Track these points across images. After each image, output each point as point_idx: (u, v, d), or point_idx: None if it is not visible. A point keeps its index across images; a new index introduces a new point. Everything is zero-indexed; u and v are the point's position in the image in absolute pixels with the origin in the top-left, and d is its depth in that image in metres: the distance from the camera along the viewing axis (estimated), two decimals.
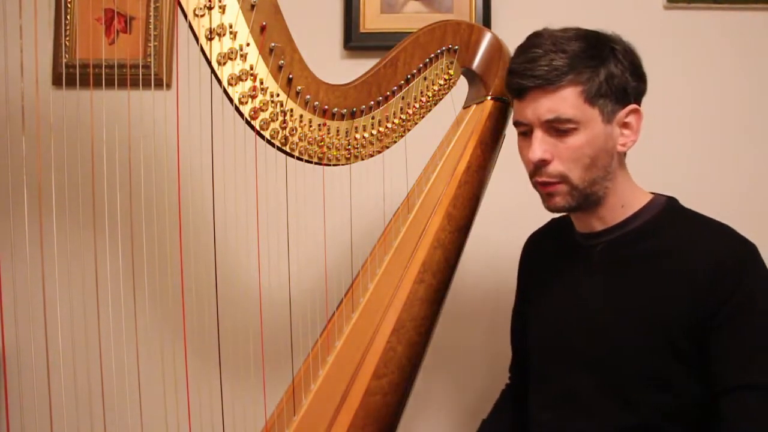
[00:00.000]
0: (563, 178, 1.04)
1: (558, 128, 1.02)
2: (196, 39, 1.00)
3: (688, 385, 1.00)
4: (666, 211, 1.08)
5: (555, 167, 1.03)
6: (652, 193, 1.11)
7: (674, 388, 1.01)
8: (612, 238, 1.09)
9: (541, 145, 1.03)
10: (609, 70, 1.02)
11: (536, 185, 1.08)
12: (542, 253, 1.25)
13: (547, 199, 1.07)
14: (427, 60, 1.20)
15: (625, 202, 1.08)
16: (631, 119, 1.05)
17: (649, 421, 1.01)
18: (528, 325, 1.22)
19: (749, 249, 1.02)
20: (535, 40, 1.05)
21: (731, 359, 0.97)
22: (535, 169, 1.05)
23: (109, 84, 1.43)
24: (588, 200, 1.06)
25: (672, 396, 1.01)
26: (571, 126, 1.01)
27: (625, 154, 1.08)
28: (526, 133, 1.07)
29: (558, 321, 1.14)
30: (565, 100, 1.01)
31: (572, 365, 1.09)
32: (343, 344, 1.13)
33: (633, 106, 1.05)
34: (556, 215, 1.19)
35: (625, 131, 1.05)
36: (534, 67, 1.01)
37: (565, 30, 1.05)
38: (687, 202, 1.12)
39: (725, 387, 0.97)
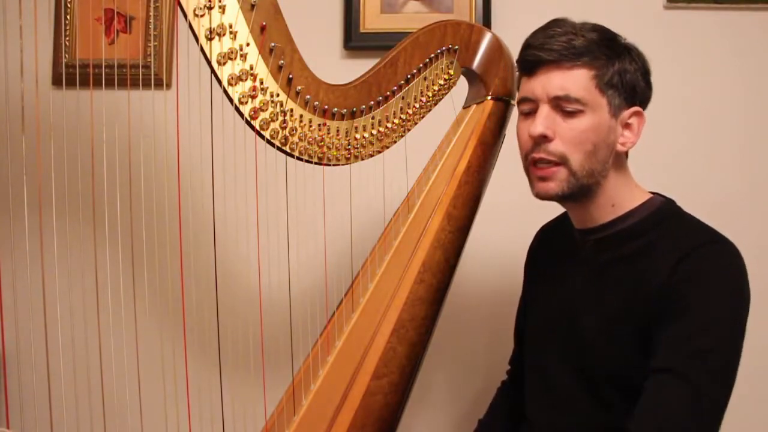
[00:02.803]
0: (563, 160, 1.02)
1: (565, 108, 1.02)
2: (196, 39, 1.00)
3: None
4: (657, 213, 1.07)
5: (556, 146, 1.02)
6: (654, 193, 1.11)
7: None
8: (600, 237, 1.09)
9: (544, 121, 1.02)
10: (623, 64, 1.03)
11: (530, 166, 1.06)
12: (547, 246, 1.26)
13: (538, 182, 1.05)
14: (427, 60, 1.20)
15: (617, 202, 1.07)
16: (633, 121, 1.06)
17: (624, 419, 1.01)
18: (527, 316, 1.23)
19: (721, 247, 1.01)
20: (556, 22, 1.06)
21: (661, 345, 0.96)
22: (534, 146, 1.04)
23: (109, 84, 1.42)
24: (581, 191, 1.04)
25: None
26: (579, 107, 1.01)
27: (626, 154, 1.08)
28: (529, 111, 1.06)
29: (546, 314, 1.15)
30: (576, 81, 1.01)
31: (555, 359, 1.10)
32: (343, 344, 1.13)
33: (637, 108, 1.06)
34: (554, 215, 1.19)
35: (626, 132, 1.05)
36: (552, 42, 1.02)
37: (584, 22, 1.06)
38: (684, 202, 1.11)
39: (650, 369, 0.97)
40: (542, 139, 1.02)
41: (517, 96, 1.10)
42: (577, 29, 1.03)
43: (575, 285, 1.10)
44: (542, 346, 1.15)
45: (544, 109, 1.03)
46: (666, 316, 0.97)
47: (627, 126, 1.05)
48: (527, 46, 1.06)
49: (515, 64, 1.25)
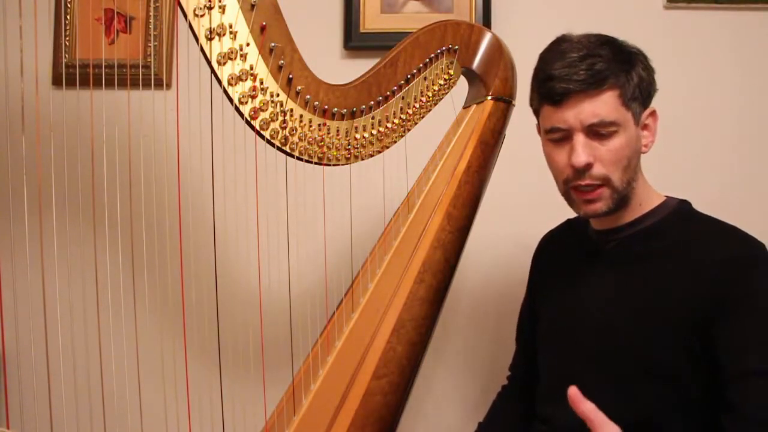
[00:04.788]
0: (605, 181, 1.04)
1: (600, 132, 1.02)
2: (196, 39, 1.00)
3: (692, 379, 1.01)
4: (678, 212, 1.10)
5: (598, 170, 1.03)
6: (665, 196, 1.13)
7: (677, 382, 1.02)
8: (625, 235, 1.10)
9: (585, 149, 1.03)
10: (639, 73, 1.04)
11: (571, 191, 1.07)
12: (555, 252, 1.26)
13: (584, 205, 1.06)
14: (427, 60, 1.20)
15: (643, 200, 1.10)
16: (649, 121, 1.08)
17: (652, 416, 1.02)
18: (540, 322, 1.23)
19: (757, 247, 1.03)
20: (565, 45, 1.05)
21: (737, 349, 0.98)
22: (577, 174, 1.04)
23: (109, 84, 1.42)
24: (623, 201, 1.07)
25: (675, 391, 1.02)
26: (613, 129, 1.02)
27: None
28: (560, 139, 1.06)
29: (566, 314, 1.15)
30: (606, 104, 1.02)
31: (578, 358, 1.10)
32: (343, 344, 1.13)
33: (652, 108, 1.08)
34: (556, 215, 1.19)
35: (645, 132, 1.08)
36: (577, 71, 1.01)
37: (587, 36, 1.06)
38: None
39: (731, 376, 0.98)
40: (586, 167, 1.03)
41: (543, 124, 1.10)
42: (590, 48, 1.03)
43: (600, 283, 1.11)
44: (562, 348, 1.15)
45: (581, 138, 1.03)
46: (727, 325, 0.98)
47: (645, 127, 1.08)
48: (549, 77, 1.04)
49: (515, 66, 1.25)
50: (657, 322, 1.02)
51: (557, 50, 1.05)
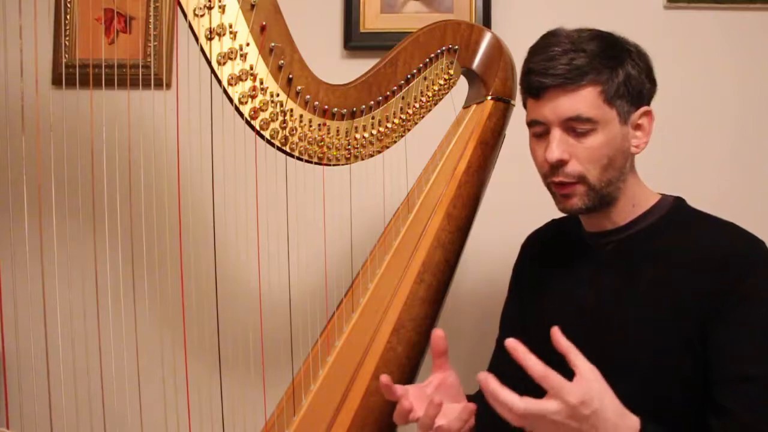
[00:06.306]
0: (581, 179, 1.03)
1: (577, 128, 1.01)
2: (196, 39, 1.00)
3: (699, 378, 1.01)
4: (674, 211, 1.09)
5: (573, 167, 1.02)
6: (660, 194, 1.12)
7: (686, 381, 1.01)
8: (622, 237, 1.09)
9: (559, 145, 1.02)
10: (627, 71, 1.03)
11: (551, 186, 1.07)
12: (544, 253, 1.24)
13: (562, 200, 1.06)
14: (427, 60, 1.20)
15: (636, 201, 1.08)
16: (643, 121, 1.06)
17: (660, 415, 1.02)
18: (529, 325, 1.22)
19: (756, 244, 1.03)
20: (552, 39, 1.04)
21: (730, 350, 0.97)
22: (552, 170, 1.04)
23: (109, 84, 1.42)
24: (603, 201, 1.05)
25: (683, 390, 1.01)
26: (590, 126, 1.01)
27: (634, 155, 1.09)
28: (541, 133, 1.06)
29: (566, 319, 1.13)
30: (584, 100, 1.00)
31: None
32: (343, 344, 1.13)
33: (646, 107, 1.06)
34: (555, 216, 1.19)
35: (638, 133, 1.06)
36: (555, 65, 1.01)
37: (580, 30, 1.05)
38: (687, 201, 1.12)
39: (722, 377, 0.97)
40: (559, 163, 1.02)
41: (526, 117, 1.10)
42: (576, 43, 1.02)
43: (599, 288, 1.09)
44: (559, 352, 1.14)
45: (557, 133, 1.02)
46: (723, 323, 0.98)
47: (638, 127, 1.06)
48: (529, 71, 1.04)
49: (515, 66, 1.25)
50: (661, 322, 1.02)
51: (542, 43, 1.05)
